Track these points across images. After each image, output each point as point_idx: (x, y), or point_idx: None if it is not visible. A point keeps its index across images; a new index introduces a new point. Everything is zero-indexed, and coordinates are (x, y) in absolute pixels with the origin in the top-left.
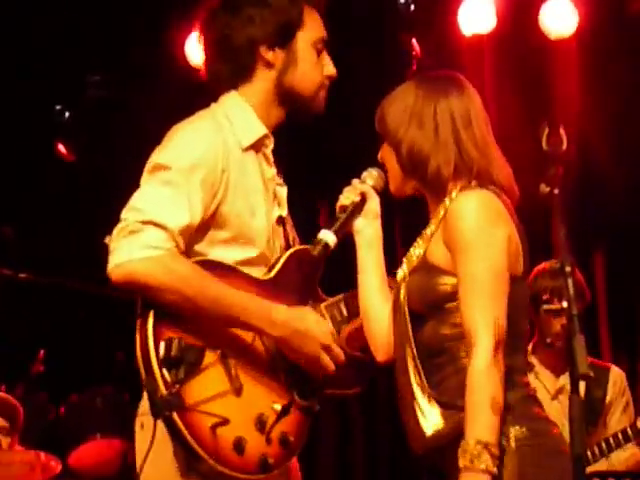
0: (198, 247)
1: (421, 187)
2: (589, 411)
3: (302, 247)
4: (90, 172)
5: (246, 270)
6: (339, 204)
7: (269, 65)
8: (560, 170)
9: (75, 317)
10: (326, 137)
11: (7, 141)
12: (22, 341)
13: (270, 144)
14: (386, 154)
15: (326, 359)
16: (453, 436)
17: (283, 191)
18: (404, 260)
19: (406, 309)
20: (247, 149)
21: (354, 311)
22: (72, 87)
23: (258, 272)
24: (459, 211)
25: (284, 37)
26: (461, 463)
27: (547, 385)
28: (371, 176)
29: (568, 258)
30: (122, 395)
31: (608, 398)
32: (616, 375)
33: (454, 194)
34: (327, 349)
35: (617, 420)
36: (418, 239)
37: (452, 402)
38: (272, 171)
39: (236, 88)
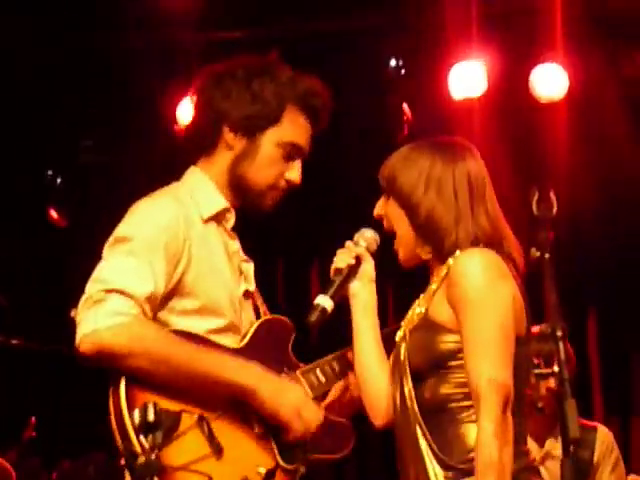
0: (165, 318)
1: (431, 252)
2: (577, 472)
3: (272, 317)
4: (82, 237)
5: (217, 339)
6: (334, 267)
7: (229, 147)
8: (551, 235)
9: (68, 382)
10: (320, 198)
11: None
12: (14, 406)
13: (231, 218)
14: (394, 218)
15: (303, 418)
16: None
17: (249, 267)
18: (403, 321)
19: (407, 368)
20: (207, 220)
21: (331, 376)
22: (64, 152)
23: (229, 341)
24: (463, 269)
25: (251, 127)
26: None
27: (532, 453)
28: (364, 238)
29: (559, 323)
30: (115, 462)
31: (595, 458)
32: (603, 435)
33: (457, 253)
34: (304, 406)
35: (605, 476)
36: (419, 299)
37: (456, 466)
38: (235, 245)
39: (198, 160)
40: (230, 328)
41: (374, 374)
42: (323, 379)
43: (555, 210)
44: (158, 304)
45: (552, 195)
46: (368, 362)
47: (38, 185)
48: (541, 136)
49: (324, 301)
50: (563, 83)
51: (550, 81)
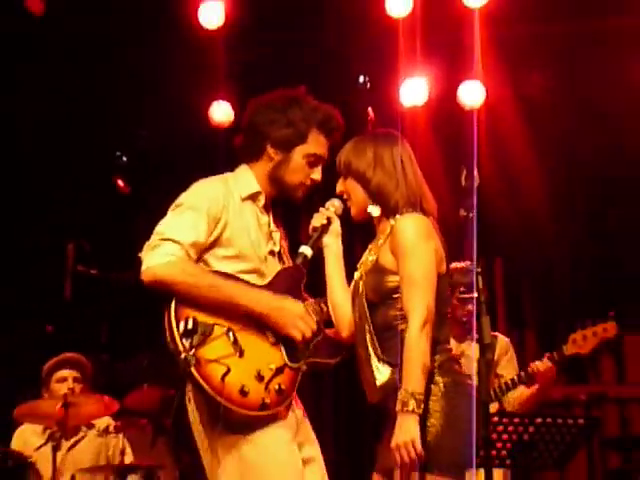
0: (209, 260)
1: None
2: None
3: (290, 266)
4: (140, 201)
5: (244, 277)
6: (311, 226)
7: (269, 158)
8: (474, 200)
9: (132, 302)
10: None
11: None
12: (92, 320)
13: (262, 200)
14: (350, 189)
15: (302, 325)
16: (394, 386)
17: (277, 234)
18: (359, 265)
19: (364, 300)
20: (245, 199)
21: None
22: (128, 138)
23: (253, 280)
24: (402, 229)
25: (286, 145)
26: (397, 408)
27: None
28: (333, 205)
29: (477, 262)
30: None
31: (496, 357)
32: (501, 340)
33: (397, 216)
34: (301, 318)
35: (503, 368)
36: (369, 249)
37: (395, 362)
38: (265, 218)
39: (248, 162)
40: (255, 271)
41: (341, 301)
42: (325, 309)
43: (477, 183)
44: (202, 250)
45: (476, 172)
46: (337, 293)
47: (109, 161)
48: (465, 134)
49: (305, 250)
50: (481, 94)
51: (472, 94)
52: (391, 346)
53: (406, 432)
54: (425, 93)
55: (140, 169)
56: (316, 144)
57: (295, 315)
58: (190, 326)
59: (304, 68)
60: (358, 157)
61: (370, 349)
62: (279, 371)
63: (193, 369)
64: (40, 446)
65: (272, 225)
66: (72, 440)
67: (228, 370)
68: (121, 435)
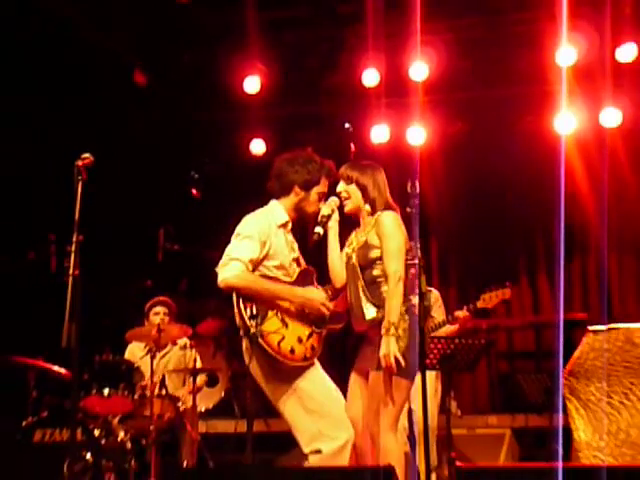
0: (262, 269)
1: (364, 210)
2: (425, 312)
3: (305, 267)
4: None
5: (282, 278)
6: (321, 214)
7: (296, 194)
8: (416, 202)
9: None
10: None
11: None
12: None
13: (289, 225)
14: (352, 192)
15: (323, 309)
16: (379, 320)
17: (295, 246)
18: (351, 242)
19: (357, 264)
20: (279, 227)
21: (332, 295)
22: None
23: (284, 278)
24: (384, 219)
25: (307, 187)
26: (382, 333)
27: None
28: (334, 201)
29: (417, 241)
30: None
31: (430, 303)
32: (434, 293)
33: (379, 213)
34: (323, 305)
35: (435, 312)
36: (358, 232)
37: (380, 305)
38: (290, 237)
39: (278, 198)
40: (286, 273)
41: (337, 264)
42: (329, 292)
43: (418, 191)
44: (257, 263)
45: (417, 183)
46: (335, 258)
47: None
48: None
49: (319, 229)
50: (422, 135)
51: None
52: (376, 294)
53: (388, 347)
54: (387, 135)
55: (206, 184)
56: (324, 186)
57: (320, 301)
58: (254, 312)
59: (310, 119)
60: (363, 175)
61: (362, 295)
62: (310, 335)
63: (260, 339)
64: (142, 357)
65: (294, 242)
66: (162, 352)
67: (282, 338)
68: (194, 350)
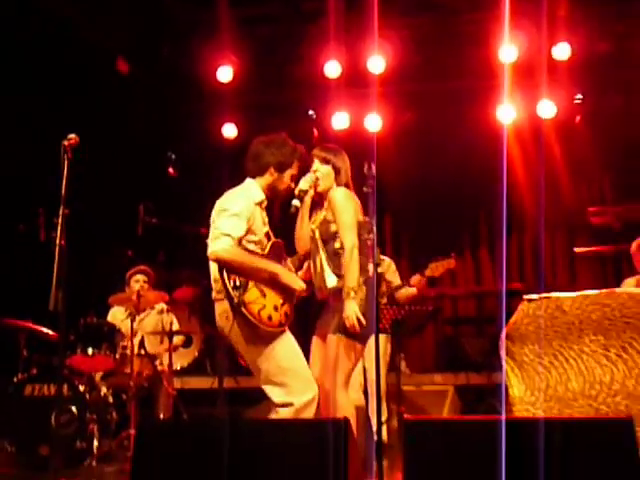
0: (244, 243)
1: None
2: (380, 279)
3: (275, 240)
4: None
5: (259, 252)
6: (300, 188)
7: (271, 175)
8: (373, 183)
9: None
10: None
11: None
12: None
13: (265, 203)
14: (325, 172)
15: (296, 283)
16: (339, 288)
17: (267, 221)
18: (315, 219)
19: (319, 239)
20: (257, 204)
21: (297, 264)
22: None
23: (258, 250)
24: (335, 195)
25: (281, 169)
26: (344, 297)
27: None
28: (312, 178)
29: (373, 217)
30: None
31: (384, 270)
32: (388, 260)
33: (331, 190)
34: (295, 278)
35: (390, 277)
36: (319, 210)
37: (340, 273)
38: (264, 213)
39: (254, 177)
40: (260, 245)
41: (304, 235)
42: (297, 263)
43: (374, 172)
44: (242, 238)
45: (373, 167)
46: (303, 229)
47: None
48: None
49: (296, 202)
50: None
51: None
52: (337, 265)
53: (351, 309)
54: (347, 121)
55: (182, 164)
56: (295, 168)
57: (293, 277)
58: (237, 283)
59: (277, 106)
60: (338, 158)
61: (325, 266)
62: (284, 304)
63: (243, 308)
64: (123, 319)
65: (266, 217)
66: (142, 316)
67: (262, 307)
68: (170, 314)
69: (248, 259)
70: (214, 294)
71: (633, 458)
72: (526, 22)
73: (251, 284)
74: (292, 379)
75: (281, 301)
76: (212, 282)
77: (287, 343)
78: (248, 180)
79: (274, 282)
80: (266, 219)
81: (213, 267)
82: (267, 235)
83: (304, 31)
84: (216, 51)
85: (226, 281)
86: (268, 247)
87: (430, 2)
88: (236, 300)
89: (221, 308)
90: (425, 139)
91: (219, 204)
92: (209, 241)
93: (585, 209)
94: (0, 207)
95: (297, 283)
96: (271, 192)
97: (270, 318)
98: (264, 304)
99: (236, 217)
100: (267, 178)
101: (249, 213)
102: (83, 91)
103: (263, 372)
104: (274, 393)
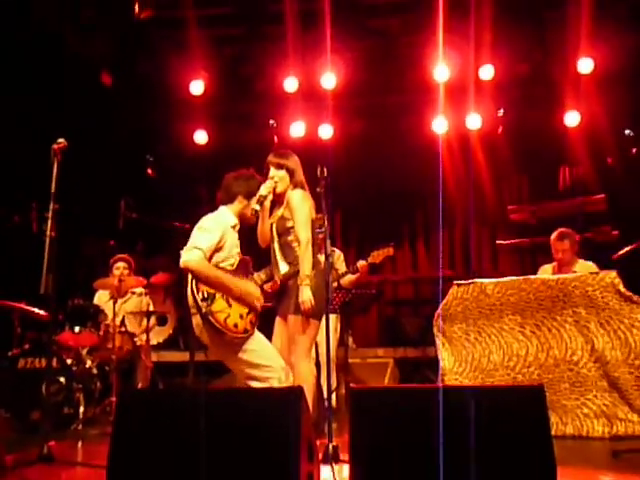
0: (214, 260)
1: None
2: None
3: (243, 257)
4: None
5: (228, 268)
6: (260, 194)
7: (240, 202)
8: (324, 184)
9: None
10: None
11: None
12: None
13: (237, 227)
14: (281, 177)
15: (256, 303)
16: (290, 274)
17: (238, 243)
18: (274, 216)
19: (275, 233)
20: (232, 227)
21: (265, 277)
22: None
23: (230, 267)
24: (293, 196)
25: (248, 197)
26: (299, 283)
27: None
28: (270, 184)
29: (325, 213)
30: (172, 260)
31: (334, 260)
32: (337, 252)
33: (288, 191)
34: (257, 300)
35: (339, 265)
36: (278, 208)
37: (293, 262)
38: (236, 235)
39: (226, 204)
40: (232, 263)
41: (265, 231)
42: (264, 277)
43: (327, 174)
44: (213, 252)
45: (325, 169)
46: (264, 227)
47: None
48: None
49: (256, 206)
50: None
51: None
52: (289, 255)
53: (305, 294)
54: (303, 130)
55: (159, 166)
56: (259, 196)
57: (255, 297)
58: (205, 295)
59: (242, 116)
60: (290, 162)
61: (278, 256)
62: (249, 313)
63: (210, 317)
64: (106, 301)
65: (237, 239)
66: (123, 299)
67: (228, 315)
68: (148, 296)
69: (213, 273)
70: (190, 309)
71: (543, 419)
72: (457, 47)
73: (218, 295)
74: (266, 371)
75: (246, 310)
76: (187, 299)
77: (255, 342)
78: (221, 208)
79: (235, 297)
80: (237, 241)
81: (188, 287)
82: (238, 254)
83: (266, 50)
84: (189, 67)
85: (195, 293)
86: (236, 263)
87: (375, 28)
88: (204, 310)
89: (195, 322)
90: (371, 146)
91: (197, 225)
92: (182, 252)
93: (505, 207)
94: None
95: (254, 299)
96: (240, 217)
97: (236, 325)
98: (229, 313)
99: (208, 233)
100: (237, 205)
101: (222, 232)
102: (73, 99)
103: (240, 372)
104: (257, 386)
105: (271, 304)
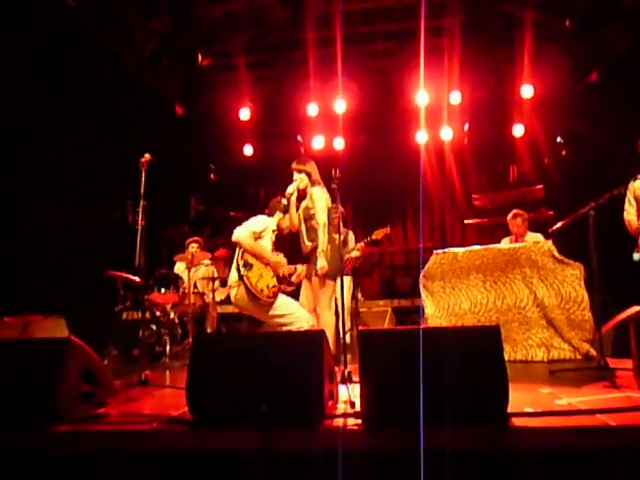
0: (258, 241)
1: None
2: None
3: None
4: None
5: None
6: (287, 192)
7: (278, 216)
8: (338, 182)
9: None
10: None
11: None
12: (203, 226)
13: (276, 232)
14: (301, 179)
15: (281, 270)
16: (312, 248)
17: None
18: (300, 208)
19: (302, 218)
20: (273, 231)
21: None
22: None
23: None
24: (313, 192)
25: (285, 213)
26: (317, 254)
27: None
28: (294, 185)
29: (339, 203)
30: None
31: (345, 238)
32: (349, 232)
33: (311, 188)
34: (282, 267)
35: (349, 243)
36: (303, 202)
37: (314, 240)
38: (272, 238)
39: (268, 215)
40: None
41: (295, 218)
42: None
43: (339, 175)
44: (257, 236)
45: (338, 171)
46: (293, 215)
47: (207, 169)
48: (334, 159)
49: (284, 201)
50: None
51: (337, 144)
52: (311, 234)
53: (321, 263)
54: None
55: (219, 172)
56: (286, 194)
57: (282, 265)
58: (247, 263)
59: (279, 134)
60: (307, 167)
61: (305, 235)
62: (274, 285)
63: (246, 279)
64: (183, 270)
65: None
66: (196, 268)
67: (258, 280)
68: (213, 266)
69: (254, 244)
70: (230, 283)
71: (499, 349)
72: (433, 79)
73: (255, 267)
74: (293, 318)
75: (272, 283)
76: (232, 276)
77: (281, 302)
78: (262, 216)
79: (268, 263)
80: (271, 243)
81: (234, 264)
82: (274, 242)
83: (293, 86)
84: (238, 99)
85: (240, 266)
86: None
87: (374, 66)
88: (242, 272)
89: (232, 294)
90: (371, 154)
91: (251, 218)
92: (234, 231)
93: (470, 196)
94: (102, 200)
95: (281, 267)
96: (277, 226)
97: (262, 291)
98: (259, 280)
99: (256, 223)
100: (277, 217)
101: (264, 227)
102: (155, 125)
103: (274, 326)
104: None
105: (289, 288)
